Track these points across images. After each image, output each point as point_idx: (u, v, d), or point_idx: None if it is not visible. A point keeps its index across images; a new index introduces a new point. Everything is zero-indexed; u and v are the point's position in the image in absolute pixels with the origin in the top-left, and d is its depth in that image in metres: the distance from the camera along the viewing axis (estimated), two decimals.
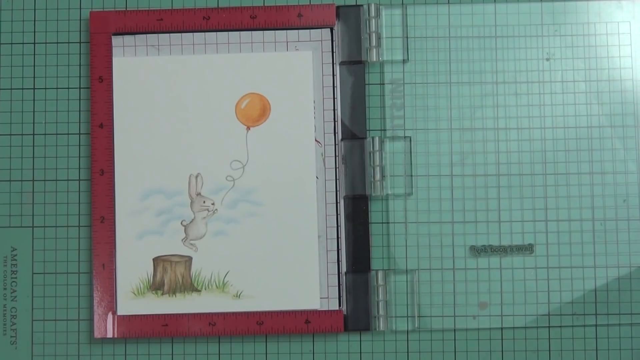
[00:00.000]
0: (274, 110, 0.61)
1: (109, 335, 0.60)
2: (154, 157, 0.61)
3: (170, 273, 0.60)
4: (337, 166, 0.61)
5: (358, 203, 0.61)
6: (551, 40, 0.62)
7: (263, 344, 0.61)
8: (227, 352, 0.61)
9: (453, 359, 0.61)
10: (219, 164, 0.61)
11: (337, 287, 0.61)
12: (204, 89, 0.61)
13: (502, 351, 0.61)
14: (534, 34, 0.62)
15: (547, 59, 0.62)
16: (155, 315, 0.60)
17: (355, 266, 0.61)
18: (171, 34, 0.62)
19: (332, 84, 0.61)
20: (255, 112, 0.61)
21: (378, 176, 0.61)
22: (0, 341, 0.61)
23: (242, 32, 0.62)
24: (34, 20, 0.63)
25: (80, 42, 0.63)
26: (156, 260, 0.60)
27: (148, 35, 0.62)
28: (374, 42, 0.61)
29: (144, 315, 0.60)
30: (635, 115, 0.62)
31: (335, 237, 0.61)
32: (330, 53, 0.61)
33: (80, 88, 0.62)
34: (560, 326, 0.61)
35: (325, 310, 0.60)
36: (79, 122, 0.62)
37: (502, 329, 0.61)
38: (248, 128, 0.61)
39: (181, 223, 0.61)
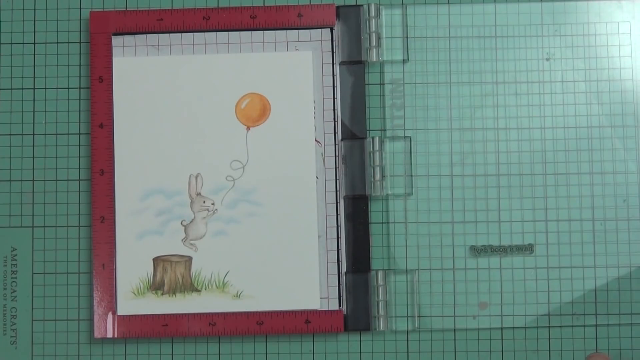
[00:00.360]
0: (274, 110, 0.61)
1: (109, 335, 0.60)
2: (154, 157, 0.61)
3: (170, 273, 0.60)
4: (337, 166, 0.61)
5: (358, 203, 0.61)
6: (551, 40, 0.62)
7: (263, 344, 0.61)
8: (227, 352, 0.61)
9: (453, 359, 0.61)
10: (219, 164, 0.61)
11: (337, 287, 0.61)
12: (204, 89, 0.61)
13: (502, 351, 0.61)
14: (534, 34, 0.62)
15: (547, 59, 0.62)
16: (155, 315, 0.60)
17: (355, 266, 0.61)
18: (171, 34, 0.62)
19: (332, 84, 0.61)
20: (255, 112, 0.61)
21: (378, 176, 0.61)
22: (0, 341, 0.61)
23: (242, 32, 0.62)
24: (34, 20, 0.63)
25: (80, 42, 0.63)
26: (156, 260, 0.60)
27: (148, 35, 0.62)
28: (374, 42, 0.61)
29: (144, 315, 0.60)
30: (635, 115, 0.62)
31: (335, 237, 0.61)
32: (330, 53, 0.61)
33: (80, 88, 0.62)
34: (560, 326, 0.61)
35: (325, 310, 0.60)
36: (79, 122, 0.62)
37: (502, 329, 0.61)
38: (248, 128, 0.61)
39: (181, 223, 0.61)
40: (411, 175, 0.61)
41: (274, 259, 0.60)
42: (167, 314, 0.60)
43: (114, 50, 0.62)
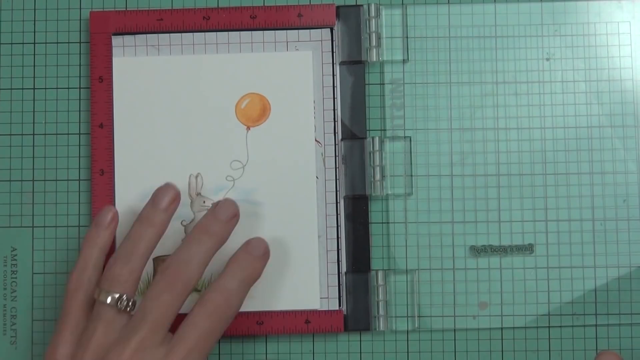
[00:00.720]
0: (274, 110, 0.61)
1: None
2: (154, 157, 0.61)
3: None
4: (337, 166, 0.61)
5: (358, 203, 0.61)
6: (551, 40, 0.62)
7: (263, 344, 0.61)
8: (227, 352, 0.61)
9: (453, 359, 0.61)
10: (219, 164, 0.61)
11: (337, 287, 0.61)
12: (204, 89, 0.61)
13: (502, 351, 0.61)
14: (534, 34, 0.62)
15: (547, 59, 0.62)
16: None
17: (355, 266, 0.61)
18: (171, 34, 0.62)
19: (332, 84, 0.61)
20: (255, 112, 0.61)
21: (378, 176, 0.61)
22: (0, 341, 0.61)
23: (242, 32, 0.62)
24: (34, 20, 0.63)
25: (80, 42, 0.63)
26: (156, 261, 0.60)
27: (148, 35, 0.62)
28: (374, 42, 0.61)
29: None
30: (635, 115, 0.62)
31: (335, 237, 0.61)
32: (330, 53, 0.61)
33: (80, 88, 0.62)
34: (560, 326, 0.61)
35: (325, 310, 0.60)
36: (79, 122, 0.62)
37: (502, 329, 0.61)
38: (248, 128, 0.61)
39: (181, 223, 0.61)
40: (411, 175, 0.61)
41: (273, 258, 0.60)
42: None
43: (114, 50, 0.62)
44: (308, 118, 0.61)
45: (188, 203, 0.61)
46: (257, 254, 0.56)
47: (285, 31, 0.62)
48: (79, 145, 0.62)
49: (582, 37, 0.62)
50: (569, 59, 0.62)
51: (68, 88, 0.62)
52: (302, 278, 0.60)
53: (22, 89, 0.62)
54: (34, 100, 0.62)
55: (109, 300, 0.54)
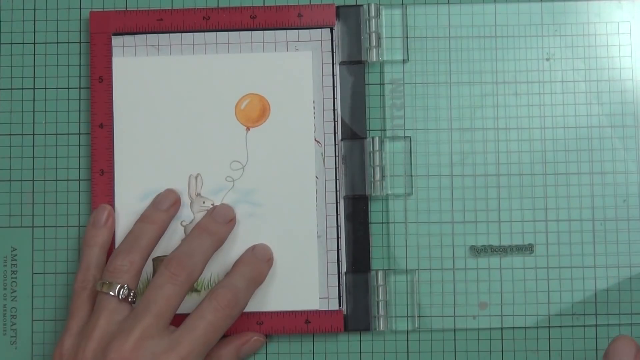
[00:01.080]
0: (273, 110, 0.61)
1: None
2: (154, 157, 0.61)
3: None
4: (337, 166, 0.61)
5: (358, 203, 0.61)
6: (551, 40, 0.62)
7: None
8: None
9: (453, 359, 0.61)
10: (218, 164, 0.61)
11: (337, 287, 0.61)
12: (203, 89, 0.61)
13: (502, 351, 0.61)
14: (534, 34, 0.62)
15: (547, 59, 0.61)
16: None
17: (355, 266, 0.61)
18: (171, 34, 0.62)
19: (332, 84, 0.61)
20: (255, 113, 0.61)
21: (378, 176, 0.61)
22: (0, 341, 0.61)
23: (242, 32, 0.62)
24: (34, 20, 0.63)
25: (80, 42, 0.63)
26: (156, 261, 0.60)
27: (148, 35, 0.62)
28: (374, 42, 0.61)
29: None
30: (635, 115, 0.62)
31: (335, 237, 0.61)
32: (330, 53, 0.61)
33: (80, 88, 0.62)
34: (560, 326, 0.61)
35: (325, 310, 0.60)
36: (79, 122, 0.62)
37: (502, 329, 0.61)
38: (248, 128, 0.61)
39: (181, 223, 0.61)
40: (411, 175, 0.61)
41: (273, 259, 0.60)
42: None
43: (114, 50, 0.62)
44: (308, 118, 0.61)
45: (188, 203, 0.61)
46: (263, 258, 0.59)
47: (285, 31, 0.62)
48: (79, 145, 0.62)
49: (582, 37, 0.62)
50: (569, 59, 0.62)
51: (68, 88, 0.62)
52: (302, 278, 0.60)
53: (22, 89, 0.62)
54: (34, 100, 0.62)
55: (110, 290, 0.55)
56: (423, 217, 0.61)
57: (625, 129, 0.62)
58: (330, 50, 0.61)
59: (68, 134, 0.62)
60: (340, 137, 0.61)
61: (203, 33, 0.62)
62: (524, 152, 0.61)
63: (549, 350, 0.61)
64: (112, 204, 0.61)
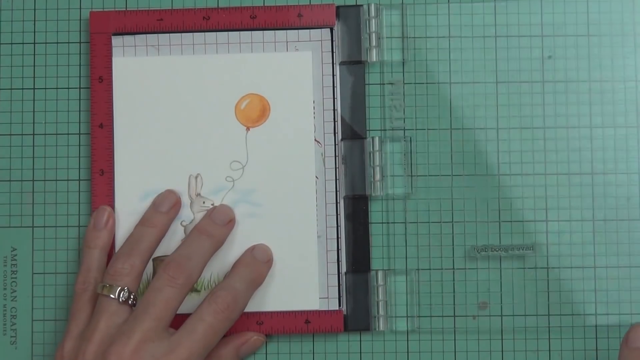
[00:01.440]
0: (273, 110, 0.61)
1: None
2: (154, 157, 0.61)
3: None
4: (337, 166, 0.61)
5: (358, 203, 0.61)
6: (552, 39, 0.62)
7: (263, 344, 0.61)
8: None
9: (453, 359, 0.61)
10: (218, 164, 0.61)
11: (337, 287, 0.61)
12: (203, 89, 0.61)
13: (502, 351, 0.61)
14: (535, 33, 0.62)
15: (549, 57, 0.61)
16: None
17: (355, 266, 0.61)
18: (171, 34, 0.62)
19: (332, 84, 0.61)
20: (254, 113, 0.61)
21: (378, 176, 0.61)
22: (0, 341, 0.61)
23: (242, 32, 0.62)
24: (34, 20, 0.63)
25: (80, 42, 0.63)
26: (156, 261, 0.60)
27: (148, 35, 0.62)
28: (374, 42, 0.61)
29: None
30: (637, 115, 0.62)
31: (335, 237, 0.61)
32: (330, 53, 0.61)
33: (80, 88, 0.62)
34: (560, 326, 0.61)
35: (325, 310, 0.60)
36: (79, 122, 0.62)
37: (502, 329, 0.61)
38: (248, 129, 0.61)
39: (181, 224, 0.61)
40: (411, 175, 0.61)
41: (274, 259, 0.60)
42: None
43: (114, 50, 0.62)
44: (308, 118, 0.61)
45: (188, 204, 0.61)
46: (262, 259, 0.59)
47: (285, 31, 0.62)
48: (79, 145, 0.62)
49: (582, 37, 0.62)
50: (569, 59, 0.62)
51: (68, 88, 0.62)
52: (302, 278, 0.60)
53: (22, 89, 0.62)
54: (34, 100, 0.62)
55: (111, 293, 0.55)
56: (423, 217, 0.61)
57: (627, 129, 0.62)
58: (330, 50, 0.61)
59: (68, 134, 0.62)
60: (340, 137, 0.61)
61: (203, 33, 0.62)
62: (525, 152, 0.61)
63: (549, 350, 0.61)
64: (112, 204, 0.61)
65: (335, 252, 0.61)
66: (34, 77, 0.62)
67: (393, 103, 0.62)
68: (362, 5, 0.62)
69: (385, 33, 0.62)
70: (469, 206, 0.61)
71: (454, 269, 0.61)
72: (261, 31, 0.61)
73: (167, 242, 0.60)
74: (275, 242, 0.60)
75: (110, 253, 0.60)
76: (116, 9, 0.62)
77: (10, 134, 0.62)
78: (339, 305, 0.61)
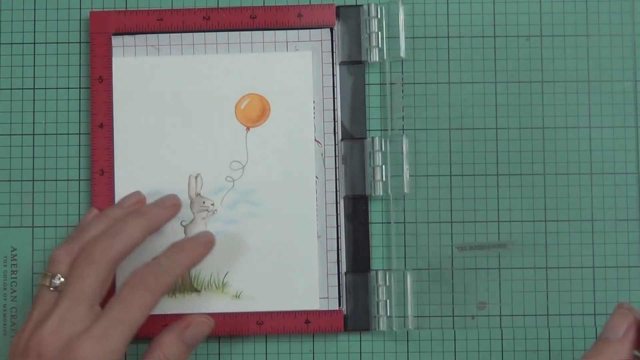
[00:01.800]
0: (273, 110, 0.61)
1: None
2: (154, 157, 0.61)
3: None
4: (337, 166, 0.61)
5: (358, 203, 0.61)
6: (552, 39, 0.62)
7: (263, 344, 0.61)
8: (227, 352, 0.61)
9: (453, 359, 0.61)
10: (218, 164, 0.61)
11: (337, 287, 0.61)
12: (203, 89, 0.61)
13: (502, 351, 0.61)
14: (535, 33, 0.62)
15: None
16: (155, 315, 0.60)
17: (355, 266, 0.61)
18: (171, 34, 0.62)
19: (332, 84, 0.61)
20: (254, 113, 0.61)
21: (378, 176, 0.61)
22: (0, 341, 0.61)
23: (242, 32, 0.62)
24: (34, 20, 0.63)
25: (80, 42, 0.63)
26: None
27: (148, 35, 0.62)
28: (374, 42, 0.61)
29: None
30: (637, 115, 0.62)
31: (335, 237, 0.61)
32: (330, 53, 0.61)
33: (80, 88, 0.62)
34: (560, 326, 0.61)
35: (325, 310, 0.60)
36: (79, 122, 0.62)
37: (501, 328, 0.61)
38: (248, 128, 0.61)
39: (181, 223, 0.61)
40: (411, 175, 0.61)
41: (273, 259, 0.60)
42: (168, 314, 0.60)
43: (114, 50, 0.62)
44: (308, 118, 0.61)
45: (188, 203, 0.61)
46: (200, 241, 0.58)
47: (285, 31, 0.62)
48: (79, 145, 0.62)
49: (582, 37, 0.62)
50: (569, 59, 0.62)
51: (68, 88, 0.62)
52: (302, 278, 0.60)
53: (22, 89, 0.62)
54: (34, 100, 0.62)
55: (43, 281, 0.54)
56: (423, 217, 0.61)
57: (626, 130, 0.62)
58: (330, 50, 0.61)
59: (68, 134, 0.62)
60: (340, 137, 0.61)
61: (203, 33, 0.62)
62: (525, 152, 0.62)
63: (549, 350, 0.61)
64: (112, 204, 0.61)
65: (335, 252, 0.61)
66: (34, 77, 0.62)
67: (393, 103, 0.62)
68: (362, 5, 0.62)
69: (385, 33, 0.62)
70: (468, 206, 0.61)
71: (453, 268, 0.61)
72: (261, 31, 0.62)
73: (167, 242, 0.60)
74: (275, 242, 0.60)
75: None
76: (116, 9, 0.62)
77: (10, 134, 0.62)
78: (339, 305, 0.61)
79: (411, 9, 0.62)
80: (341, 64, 0.62)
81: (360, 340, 0.61)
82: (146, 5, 0.63)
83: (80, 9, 0.63)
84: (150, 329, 0.60)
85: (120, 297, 0.53)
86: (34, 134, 0.62)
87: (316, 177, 0.61)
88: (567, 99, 0.62)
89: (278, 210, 0.61)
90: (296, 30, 0.62)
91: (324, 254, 0.61)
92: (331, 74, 0.61)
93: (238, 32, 0.62)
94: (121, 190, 0.61)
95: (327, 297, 0.61)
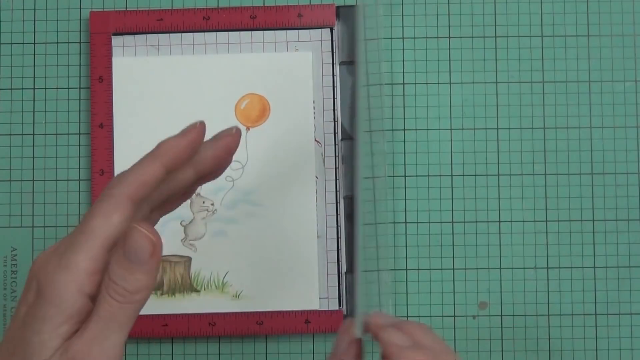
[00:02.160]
0: (273, 110, 0.61)
1: None
2: None
3: (170, 273, 0.61)
4: (337, 166, 0.61)
5: None
6: (552, 39, 0.62)
7: (263, 344, 0.61)
8: (227, 352, 0.61)
9: None
10: None
11: (337, 287, 0.61)
12: (203, 89, 0.61)
13: (502, 351, 0.61)
14: (535, 33, 0.62)
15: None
16: (155, 315, 0.60)
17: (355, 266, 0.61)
18: (171, 34, 0.62)
19: (332, 84, 0.61)
20: (254, 113, 0.61)
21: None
22: (0, 341, 0.61)
23: (242, 32, 0.62)
24: (34, 20, 0.63)
25: (80, 42, 0.63)
26: None
27: (148, 35, 0.62)
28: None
29: (144, 315, 0.60)
30: (637, 115, 0.62)
31: (335, 237, 0.61)
32: (330, 53, 0.61)
33: (80, 88, 0.62)
34: (560, 326, 0.61)
35: (325, 310, 0.60)
36: (79, 122, 0.62)
37: (502, 329, 0.61)
38: (248, 128, 0.61)
39: (180, 223, 0.61)
40: (411, 175, 0.61)
41: (273, 259, 0.60)
42: (167, 314, 0.60)
43: (114, 50, 0.62)
44: (308, 118, 0.61)
45: (187, 203, 0.61)
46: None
47: (285, 31, 0.62)
48: (79, 145, 0.62)
49: (582, 37, 0.62)
50: (569, 59, 0.62)
51: (68, 88, 0.62)
52: (302, 278, 0.60)
53: (22, 89, 0.62)
54: (34, 100, 0.62)
55: None
56: (423, 217, 0.61)
57: (627, 130, 0.62)
58: (330, 50, 0.61)
59: (68, 134, 0.62)
60: (340, 137, 0.61)
61: (203, 33, 0.62)
62: (525, 152, 0.61)
63: (549, 351, 0.61)
64: None
65: (335, 252, 0.61)
66: (34, 77, 0.62)
67: (393, 103, 0.62)
68: (362, 5, 0.61)
69: (385, 33, 0.62)
70: (468, 206, 0.61)
71: (454, 269, 0.61)
72: (261, 31, 0.62)
73: (167, 242, 0.60)
74: (275, 242, 0.60)
75: None
76: (116, 9, 0.63)
77: (10, 134, 0.62)
78: (339, 305, 0.61)
79: (412, 9, 0.62)
80: (341, 64, 0.62)
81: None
82: (146, 5, 0.63)
83: (80, 9, 0.63)
84: (150, 329, 0.60)
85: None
86: (34, 134, 0.62)
87: (316, 177, 0.61)
88: (568, 99, 0.62)
89: (278, 210, 0.61)
90: (296, 31, 0.62)
91: (323, 254, 0.61)
92: (331, 74, 0.61)
93: (238, 32, 0.62)
94: None
95: (327, 297, 0.61)
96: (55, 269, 0.42)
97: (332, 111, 0.61)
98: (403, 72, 0.62)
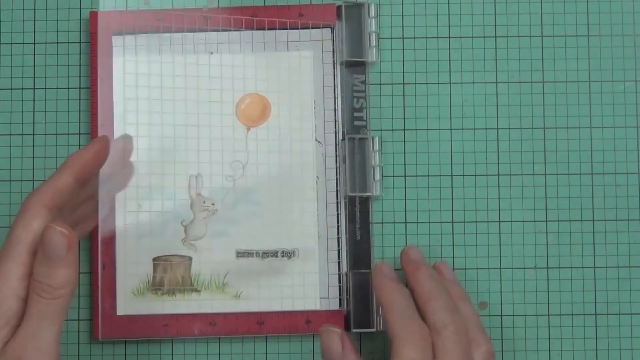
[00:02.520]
0: (274, 110, 0.61)
1: (109, 335, 0.60)
2: (154, 157, 0.61)
3: (170, 273, 0.60)
4: (338, 166, 0.61)
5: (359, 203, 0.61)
6: (552, 39, 0.62)
7: (263, 344, 0.61)
8: (227, 352, 0.61)
9: None
10: (219, 164, 0.61)
11: (337, 287, 0.61)
12: (204, 89, 0.61)
13: (502, 351, 0.61)
14: (535, 33, 0.62)
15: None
16: (156, 315, 0.60)
17: (355, 266, 0.61)
18: (171, 34, 0.62)
19: (332, 84, 0.61)
20: (255, 112, 0.61)
21: (378, 176, 0.61)
22: None
23: (242, 32, 0.62)
24: (34, 20, 0.63)
25: (80, 42, 0.63)
26: (156, 261, 0.60)
27: (148, 35, 0.62)
28: (374, 42, 0.61)
29: (144, 315, 0.60)
30: (637, 115, 0.62)
31: (336, 237, 0.61)
32: (331, 53, 0.61)
33: (80, 88, 0.62)
34: (560, 326, 0.61)
35: (325, 310, 0.60)
36: (79, 122, 0.62)
37: (502, 329, 0.61)
38: (248, 128, 0.61)
39: (181, 223, 0.61)
40: (412, 175, 0.61)
41: (274, 259, 0.60)
42: (167, 314, 0.60)
43: (114, 50, 0.62)
44: (308, 118, 0.61)
45: (188, 203, 0.61)
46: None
47: (285, 31, 0.62)
48: (79, 146, 0.62)
49: (582, 37, 0.62)
50: (569, 59, 0.62)
51: (68, 88, 0.62)
52: (303, 278, 0.60)
53: (22, 89, 0.62)
54: (34, 100, 0.62)
55: None
56: (423, 217, 0.61)
57: (627, 130, 0.62)
58: (331, 50, 0.61)
59: (68, 134, 0.62)
60: (341, 137, 0.61)
61: (203, 33, 0.62)
62: (525, 152, 0.62)
63: (549, 351, 0.61)
64: (112, 205, 0.61)
65: (336, 252, 0.61)
66: (34, 77, 0.62)
67: (393, 103, 0.62)
68: (362, 5, 0.61)
69: (385, 33, 0.62)
70: (469, 206, 0.61)
71: (453, 269, 0.61)
72: (262, 31, 0.62)
73: (167, 242, 0.60)
74: (276, 241, 0.60)
75: (109, 265, 0.60)
76: (116, 9, 0.62)
77: (10, 134, 0.62)
78: (340, 305, 0.61)
79: (412, 9, 0.62)
80: (342, 63, 0.62)
81: (361, 340, 0.61)
82: (146, 5, 0.63)
83: (80, 9, 0.63)
84: (150, 329, 0.60)
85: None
86: (34, 134, 0.62)
87: (317, 177, 0.61)
88: (568, 99, 0.62)
89: (278, 210, 0.61)
90: (297, 30, 0.62)
91: (324, 254, 0.61)
92: (332, 73, 0.61)
93: (238, 32, 0.62)
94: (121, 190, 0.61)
95: (328, 297, 0.61)
96: None
97: (333, 111, 0.61)
98: (403, 72, 0.62)
